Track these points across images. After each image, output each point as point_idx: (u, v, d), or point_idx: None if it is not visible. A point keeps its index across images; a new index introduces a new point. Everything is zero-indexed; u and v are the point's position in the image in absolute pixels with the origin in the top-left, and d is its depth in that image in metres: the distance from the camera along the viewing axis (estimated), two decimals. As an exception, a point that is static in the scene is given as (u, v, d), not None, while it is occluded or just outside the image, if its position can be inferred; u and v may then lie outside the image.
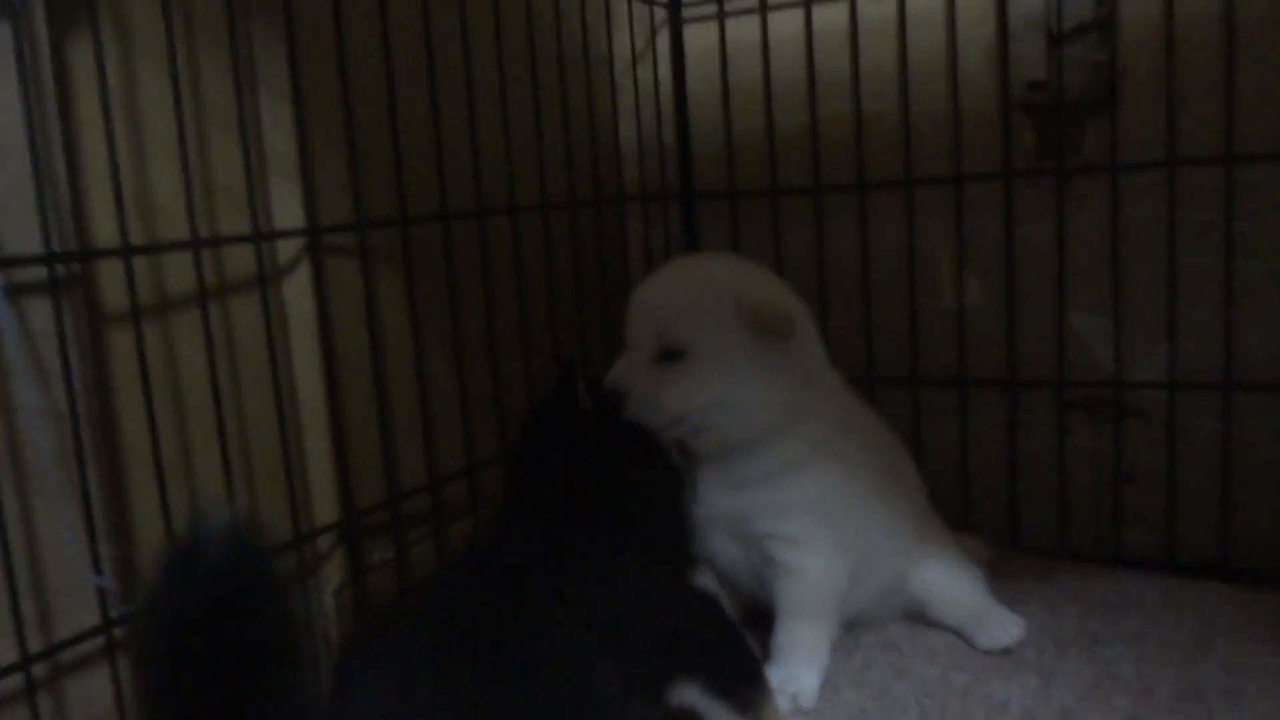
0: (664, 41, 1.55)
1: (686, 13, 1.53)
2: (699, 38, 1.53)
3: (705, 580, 1.01)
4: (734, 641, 0.97)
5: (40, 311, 0.83)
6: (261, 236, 0.99)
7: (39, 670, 0.84)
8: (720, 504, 1.09)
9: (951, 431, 1.41)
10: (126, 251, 0.87)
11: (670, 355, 1.04)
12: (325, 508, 1.09)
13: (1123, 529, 1.33)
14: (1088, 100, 1.28)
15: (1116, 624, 1.14)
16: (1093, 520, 1.35)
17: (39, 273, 0.83)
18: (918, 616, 1.17)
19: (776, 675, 1.04)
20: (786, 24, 1.44)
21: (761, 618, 1.11)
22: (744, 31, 1.48)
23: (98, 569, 0.85)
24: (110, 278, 0.90)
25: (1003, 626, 1.11)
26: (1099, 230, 1.29)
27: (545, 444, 1.04)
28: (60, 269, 0.83)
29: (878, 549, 1.13)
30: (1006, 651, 1.10)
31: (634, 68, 1.55)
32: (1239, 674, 1.03)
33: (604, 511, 0.98)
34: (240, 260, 1.01)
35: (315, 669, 0.57)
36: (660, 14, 1.55)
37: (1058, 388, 1.34)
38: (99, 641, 0.87)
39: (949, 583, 1.16)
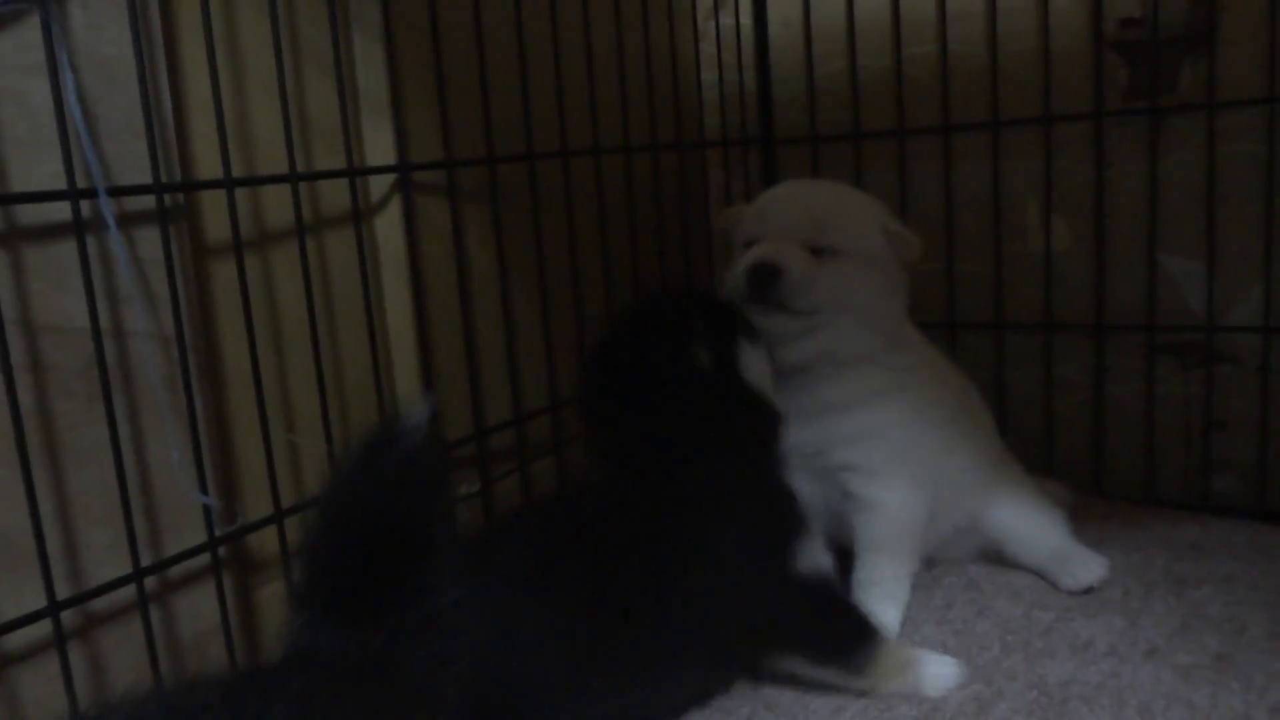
0: (745, -14, 1.54)
1: (768, -44, 1.52)
2: (780, -19, 1.51)
3: (811, 556, 0.96)
4: (837, 621, 0.96)
5: (149, 241, 0.87)
6: (355, 172, 1.02)
7: (150, 584, 0.88)
8: (798, 434, 1.08)
9: (1036, 377, 1.39)
10: (229, 183, 0.90)
11: (820, 252, 1.07)
12: (415, 440, 1.12)
13: (1211, 476, 1.31)
14: (1184, 37, 1.24)
15: (1205, 567, 1.13)
16: (1180, 467, 1.33)
17: (148, 202, 0.86)
18: (996, 558, 1.17)
19: (857, 610, 1.05)
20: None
21: (841, 554, 1.11)
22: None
23: (203, 488, 0.89)
24: (213, 210, 0.93)
25: (1086, 566, 1.11)
26: (1192, 171, 1.26)
27: (655, 406, 0.97)
28: (167, 199, 0.86)
29: (951, 486, 1.13)
30: (1090, 591, 1.09)
31: (715, 14, 1.55)
32: (1333, 617, 1.01)
33: (713, 486, 0.95)
34: (334, 196, 1.03)
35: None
36: (742, -42, 1.54)
37: (1147, 332, 1.31)
38: (205, 559, 0.91)
39: (1025, 523, 1.15)
